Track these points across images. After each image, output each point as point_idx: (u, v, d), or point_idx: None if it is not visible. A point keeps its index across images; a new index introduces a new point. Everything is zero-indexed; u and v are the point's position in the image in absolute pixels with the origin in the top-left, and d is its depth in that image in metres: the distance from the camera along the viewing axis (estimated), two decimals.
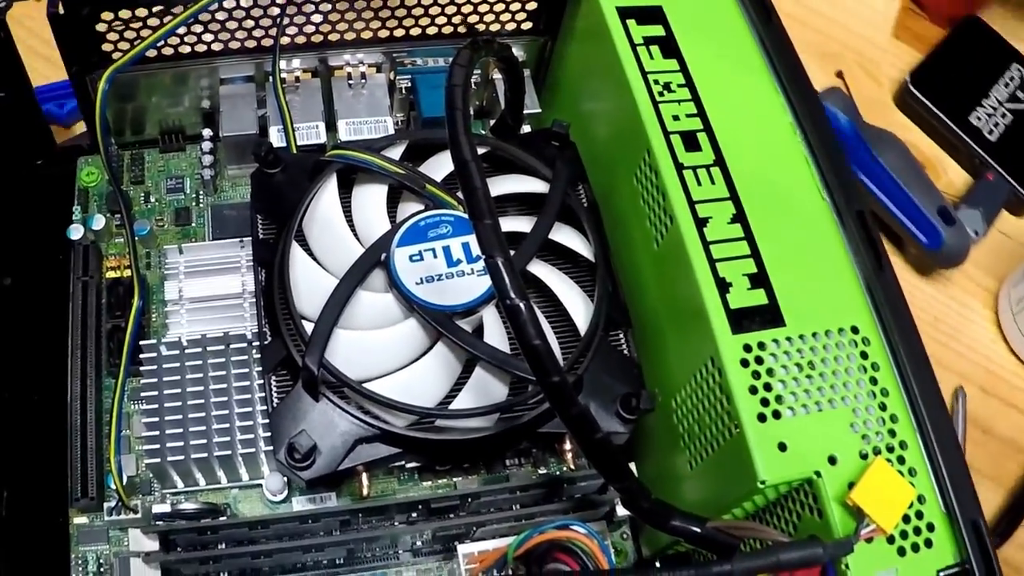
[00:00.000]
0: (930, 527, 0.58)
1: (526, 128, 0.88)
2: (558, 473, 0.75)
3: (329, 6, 0.81)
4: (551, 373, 0.50)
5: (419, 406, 0.65)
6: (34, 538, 0.74)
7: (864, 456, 0.59)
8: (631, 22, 0.74)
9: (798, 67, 0.75)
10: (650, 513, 0.53)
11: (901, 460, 0.60)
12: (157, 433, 0.70)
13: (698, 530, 0.53)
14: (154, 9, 0.74)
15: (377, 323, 0.69)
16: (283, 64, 0.85)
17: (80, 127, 1.01)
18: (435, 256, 0.69)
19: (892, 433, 0.61)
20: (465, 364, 0.69)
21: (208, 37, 0.81)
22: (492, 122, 0.88)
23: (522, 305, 0.50)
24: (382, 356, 0.68)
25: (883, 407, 0.61)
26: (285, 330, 0.68)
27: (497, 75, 0.88)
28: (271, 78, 0.84)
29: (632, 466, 0.72)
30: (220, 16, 0.79)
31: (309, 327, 0.67)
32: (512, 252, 0.66)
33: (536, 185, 0.76)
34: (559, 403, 0.51)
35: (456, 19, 0.85)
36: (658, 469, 0.74)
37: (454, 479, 0.76)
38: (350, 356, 0.67)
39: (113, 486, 0.72)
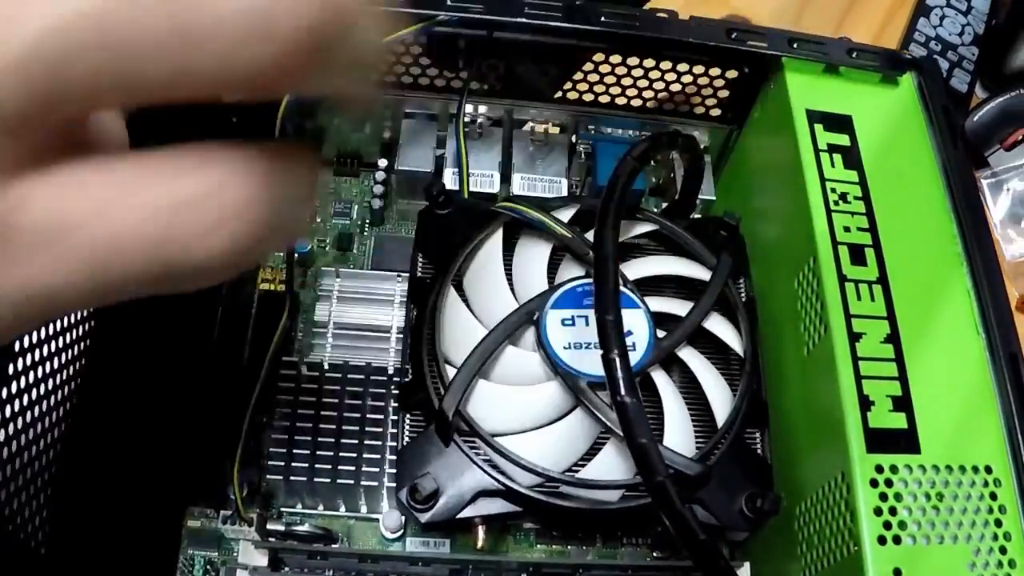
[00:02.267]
0: None
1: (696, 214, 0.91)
2: (678, 559, 0.76)
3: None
4: (655, 473, 0.53)
5: (549, 469, 0.68)
6: (148, 534, 0.76)
7: None
8: (818, 127, 0.76)
9: (975, 198, 0.76)
10: None
11: None
12: (284, 451, 0.74)
13: None
14: None
15: (518, 380, 0.72)
16: (468, 108, 0.88)
17: None
18: (587, 324, 0.71)
19: None
20: (597, 436, 0.71)
21: (400, 69, 0.84)
22: (665, 204, 0.91)
23: (631, 403, 0.53)
24: (518, 413, 0.71)
25: (1003, 551, 0.62)
26: (428, 371, 0.71)
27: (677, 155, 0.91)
28: (454, 120, 0.87)
29: (747, 566, 0.74)
30: (415, 50, 0.82)
31: (451, 372, 0.70)
32: (663, 334, 0.70)
33: (697, 271, 0.78)
34: (662, 502, 0.53)
35: (647, 94, 0.88)
36: (770, 573, 0.76)
37: (568, 547, 0.78)
38: (486, 408, 0.70)
39: (232, 496, 0.74)
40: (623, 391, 0.53)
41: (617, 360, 0.54)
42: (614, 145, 0.91)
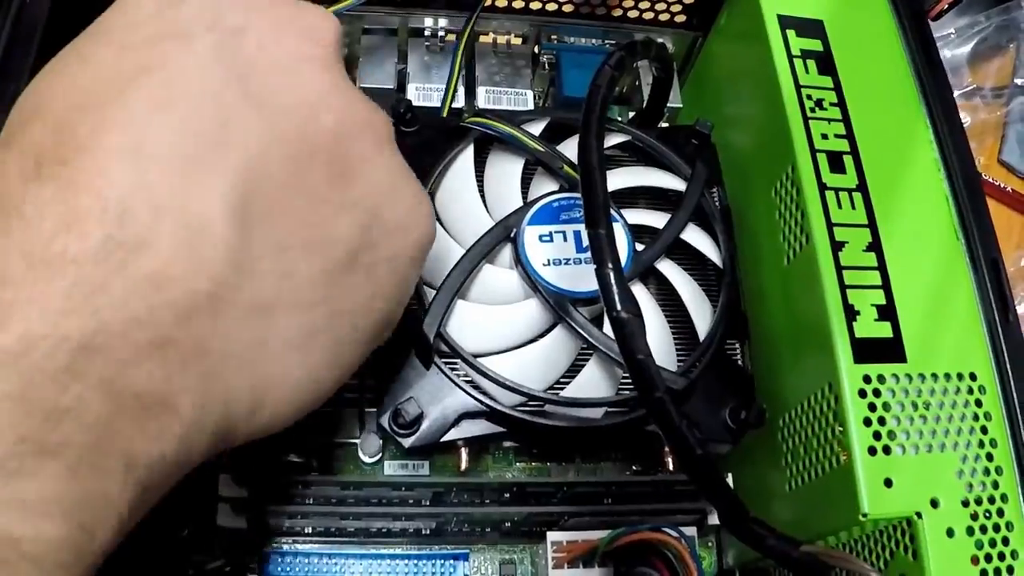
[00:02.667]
0: None
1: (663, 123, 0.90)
2: (657, 474, 0.75)
3: None
4: (654, 389, 0.52)
5: (533, 389, 0.67)
6: None
7: (965, 504, 0.61)
8: (791, 32, 0.75)
9: (951, 104, 0.75)
10: (746, 531, 0.54)
11: (1001, 513, 0.61)
12: None
13: (792, 554, 0.54)
14: None
15: (498, 299, 0.71)
16: (428, 22, 0.87)
17: None
18: (565, 240, 0.71)
19: (995, 485, 0.62)
20: (578, 354, 0.71)
21: None
22: (632, 113, 0.91)
23: (628, 318, 0.52)
24: (498, 332, 0.70)
25: (990, 457, 0.63)
26: None
27: (642, 62, 0.90)
28: (456, 38, 0.86)
29: (729, 477, 0.74)
30: None
31: (429, 293, 0.69)
32: (642, 247, 0.69)
33: (672, 181, 0.77)
34: (661, 419, 0.53)
35: (612, 0, 0.87)
36: (753, 482, 0.76)
37: (548, 464, 0.78)
38: (466, 328, 0.69)
39: None
40: (619, 306, 0.52)
41: (612, 274, 0.53)
42: (578, 55, 0.90)
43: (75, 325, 0.34)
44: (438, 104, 0.85)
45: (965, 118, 1.06)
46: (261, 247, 0.40)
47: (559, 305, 0.69)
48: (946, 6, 1.13)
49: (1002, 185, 1.19)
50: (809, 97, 0.73)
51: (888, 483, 0.61)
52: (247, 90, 0.41)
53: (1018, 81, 1.24)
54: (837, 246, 0.67)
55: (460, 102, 0.86)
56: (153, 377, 0.36)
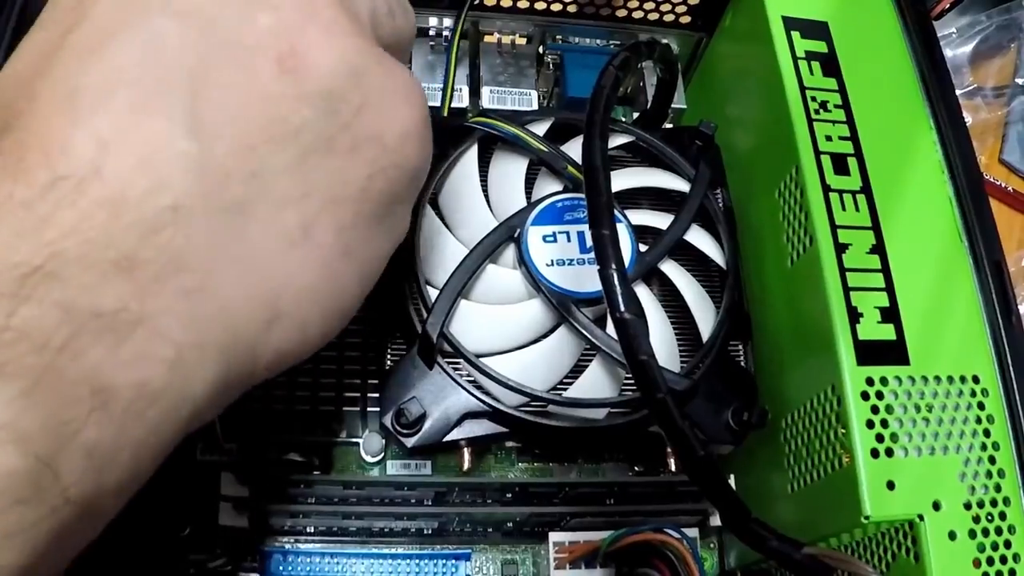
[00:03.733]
0: None
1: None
2: (659, 475, 0.76)
3: None
4: (657, 390, 0.52)
5: (535, 389, 0.67)
6: None
7: (968, 506, 0.61)
8: (795, 34, 0.75)
9: (955, 107, 0.75)
10: (748, 533, 0.54)
11: (1003, 516, 0.61)
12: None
13: (794, 555, 0.54)
14: None
15: (501, 299, 0.71)
16: (433, 21, 0.87)
17: None
18: (568, 240, 0.71)
19: (998, 488, 0.62)
20: (581, 354, 0.71)
21: None
22: (636, 113, 0.91)
23: (631, 319, 0.52)
24: (501, 332, 0.70)
25: (992, 460, 0.63)
26: (408, 293, 0.70)
27: (647, 63, 0.89)
28: (447, 37, 0.86)
29: (731, 478, 0.74)
30: None
31: (432, 293, 0.69)
32: (646, 247, 0.69)
33: (675, 182, 0.77)
34: (663, 420, 0.52)
35: (617, 1, 0.87)
36: (755, 484, 0.76)
37: (550, 464, 0.77)
38: (469, 328, 0.69)
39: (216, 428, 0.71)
40: (623, 307, 0.52)
41: (615, 275, 0.53)
42: (582, 55, 0.90)
43: (24, 254, 0.33)
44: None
45: (966, 118, 1.06)
46: (222, 151, 0.39)
47: (562, 306, 0.69)
48: (947, 6, 1.13)
49: (1003, 185, 1.19)
50: (813, 99, 0.72)
51: (890, 485, 0.61)
52: (175, 9, 0.40)
53: (1019, 81, 1.24)
54: (841, 248, 0.67)
55: (464, 102, 0.86)
56: (122, 297, 0.35)
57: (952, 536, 0.60)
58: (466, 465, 0.69)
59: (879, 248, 0.68)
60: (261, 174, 0.40)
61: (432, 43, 0.87)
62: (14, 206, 0.34)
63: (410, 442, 0.66)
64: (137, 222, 0.36)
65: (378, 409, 0.68)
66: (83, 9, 0.39)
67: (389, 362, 0.70)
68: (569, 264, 0.70)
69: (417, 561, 0.76)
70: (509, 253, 0.72)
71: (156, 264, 0.36)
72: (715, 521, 0.74)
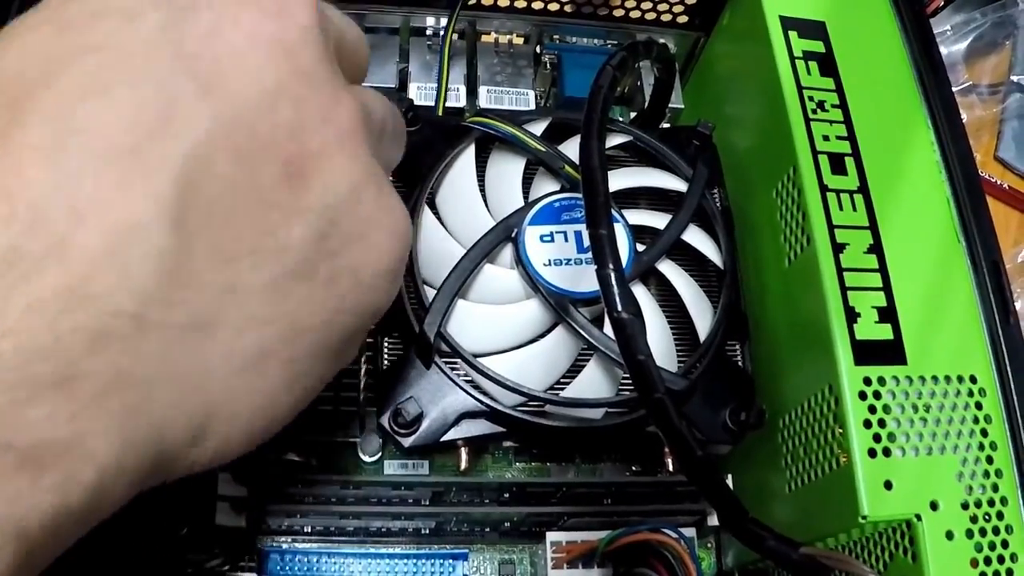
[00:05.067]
0: None
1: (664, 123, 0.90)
2: (657, 475, 0.75)
3: None
4: (654, 389, 0.52)
5: (533, 389, 0.67)
6: None
7: (965, 506, 0.61)
8: (793, 34, 0.75)
9: (952, 106, 0.75)
10: (745, 532, 0.54)
11: (1000, 516, 0.61)
12: None
13: (792, 555, 0.54)
14: None
15: (498, 299, 0.70)
16: (430, 21, 0.87)
17: None
18: (566, 240, 0.70)
19: (995, 488, 0.62)
20: (579, 354, 0.71)
21: None
22: (633, 113, 0.90)
23: (629, 318, 0.52)
24: (499, 332, 0.69)
25: (990, 460, 0.62)
26: (405, 293, 0.70)
27: (644, 62, 0.89)
28: (441, 35, 0.86)
29: (728, 478, 0.74)
30: None
31: (429, 293, 0.68)
32: (643, 247, 0.69)
33: (673, 182, 0.77)
34: (660, 420, 0.52)
35: (614, 1, 0.87)
36: (752, 484, 0.76)
37: (547, 464, 0.77)
38: (466, 328, 0.69)
39: None
40: (620, 307, 0.52)
41: (612, 274, 0.52)
42: (579, 55, 0.90)
43: None
44: (446, 103, 0.85)
45: (962, 115, 1.06)
46: (202, 256, 0.35)
47: (560, 305, 0.68)
48: (942, 3, 1.14)
49: (998, 182, 1.20)
50: (811, 99, 0.72)
51: (888, 485, 0.60)
52: (195, 75, 0.36)
53: (1014, 78, 1.25)
54: (838, 248, 0.67)
55: (462, 102, 0.86)
56: (54, 420, 0.30)
57: (949, 536, 0.59)
58: (463, 465, 0.68)
59: (876, 248, 0.67)
60: (235, 291, 0.37)
61: (430, 43, 0.87)
62: None
63: (407, 442, 0.66)
64: (90, 327, 0.31)
65: (375, 409, 0.68)
66: (107, 27, 0.36)
67: (386, 362, 0.69)
68: (566, 264, 0.69)
69: (414, 561, 0.76)
70: (506, 253, 0.72)
71: (98, 381, 0.32)
72: (713, 521, 0.74)
